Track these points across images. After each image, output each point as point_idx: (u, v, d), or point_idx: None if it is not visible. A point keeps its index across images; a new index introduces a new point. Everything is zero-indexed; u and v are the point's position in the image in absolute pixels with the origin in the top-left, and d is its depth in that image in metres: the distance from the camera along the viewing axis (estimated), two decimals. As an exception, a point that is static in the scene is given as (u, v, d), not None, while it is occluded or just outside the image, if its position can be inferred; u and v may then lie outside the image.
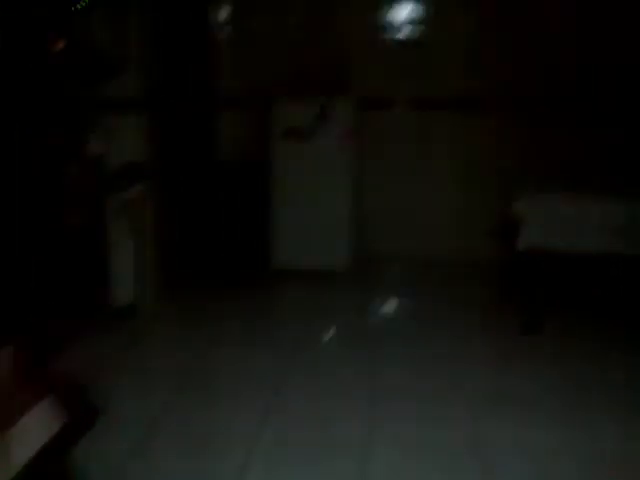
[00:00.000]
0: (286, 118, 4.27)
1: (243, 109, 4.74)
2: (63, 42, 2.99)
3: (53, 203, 3.05)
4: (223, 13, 4.68)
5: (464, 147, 4.64)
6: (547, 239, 3.32)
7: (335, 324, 3.80)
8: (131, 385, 2.89)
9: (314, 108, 4.21)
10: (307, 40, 4.55)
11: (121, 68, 3.37)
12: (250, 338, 3.46)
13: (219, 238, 4.71)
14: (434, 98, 4.60)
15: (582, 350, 3.28)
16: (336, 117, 4.21)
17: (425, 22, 4.52)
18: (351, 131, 4.25)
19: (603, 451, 2.38)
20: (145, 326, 3.57)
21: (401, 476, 2.24)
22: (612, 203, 3.38)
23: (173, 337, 3.49)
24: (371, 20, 4.56)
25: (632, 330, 3.53)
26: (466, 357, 3.22)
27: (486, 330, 3.59)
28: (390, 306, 4.22)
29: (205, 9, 4.55)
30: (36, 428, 1.32)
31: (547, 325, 3.51)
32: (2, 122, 2.72)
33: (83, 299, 3.30)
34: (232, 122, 4.78)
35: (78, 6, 2.82)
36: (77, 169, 3.20)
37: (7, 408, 1.34)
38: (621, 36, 4.29)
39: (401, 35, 4.39)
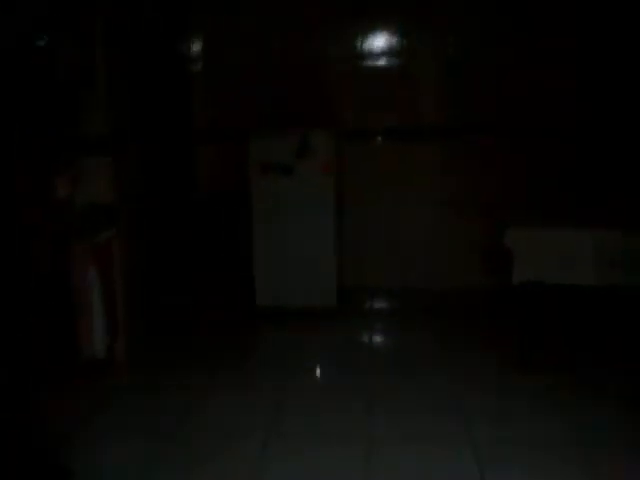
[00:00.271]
0: (264, 152, 4.12)
1: (220, 143, 4.59)
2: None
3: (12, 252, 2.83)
4: (197, 45, 4.55)
5: (447, 177, 4.51)
6: (540, 273, 3.17)
7: (322, 368, 3.61)
8: (107, 445, 2.69)
9: (293, 141, 4.07)
10: (285, 71, 4.42)
11: (87, 105, 3.20)
12: (233, 388, 3.24)
13: (199, 278, 4.52)
14: (416, 128, 4.48)
15: (582, 388, 3.12)
16: (316, 150, 4.07)
17: (405, 51, 4.42)
18: (331, 162, 4.10)
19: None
20: (119, 380, 3.34)
21: None
22: (602, 234, 3.25)
23: (150, 389, 3.25)
24: (351, 50, 4.45)
25: (629, 362, 3.38)
26: (462, 397, 3.04)
27: (480, 367, 3.43)
28: (379, 344, 4.03)
29: (178, 41, 4.41)
30: None
31: (544, 360, 3.38)
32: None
33: (51, 352, 3.06)
34: (210, 157, 4.62)
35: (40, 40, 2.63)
36: (42, 214, 2.99)
37: None
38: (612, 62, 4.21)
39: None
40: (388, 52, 4.42)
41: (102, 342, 3.32)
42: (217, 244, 4.56)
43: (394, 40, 4.41)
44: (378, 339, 4.12)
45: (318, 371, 3.62)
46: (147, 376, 3.41)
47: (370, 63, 4.45)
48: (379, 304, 4.59)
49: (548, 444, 2.61)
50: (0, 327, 2.67)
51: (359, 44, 4.44)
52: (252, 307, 4.22)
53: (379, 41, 4.41)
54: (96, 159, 3.28)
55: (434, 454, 2.56)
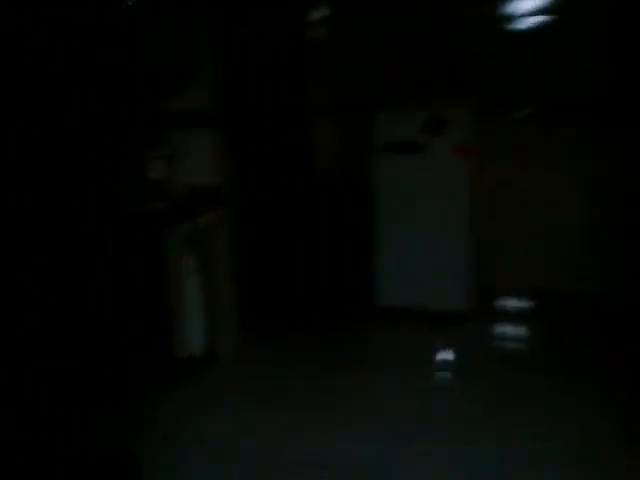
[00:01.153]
0: (390, 130, 3.60)
1: (340, 120, 4.14)
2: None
3: (110, 242, 2.60)
4: (315, 11, 4.12)
5: (602, 163, 3.69)
6: None
7: (453, 387, 3.03)
8: (205, 460, 2.38)
9: (423, 116, 3.50)
10: (414, 38, 3.85)
11: (189, 79, 2.90)
12: (346, 404, 2.77)
13: (312, 271, 4.13)
14: (566, 104, 3.70)
15: None
16: (450, 128, 3.47)
17: (554, 9, 3.64)
18: (467, 145, 3.48)
19: None
20: (222, 379, 3.04)
21: None
22: None
23: (255, 393, 2.90)
24: (489, 11, 3.76)
25: None
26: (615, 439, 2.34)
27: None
28: (520, 360, 3.34)
29: (294, 7, 4.01)
30: None
31: None
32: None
33: (145, 350, 2.82)
34: (328, 135, 4.19)
35: (128, 3, 2.34)
36: (139, 199, 2.74)
37: None
38: None
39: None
40: (535, 14, 3.67)
41: (202, 338, 3.04)
42: (333, 233, 4.14)
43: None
44: (519, 351, 3.42)
45: (446, 380, 3.06)
46: (251, 375, 3.08)
47: (513, 28, 3.73)
48: (517, 307, 3.90)
49: None
50: (87, 319, 2.46)
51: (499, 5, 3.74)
52: (371, 307, 3.74)
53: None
54: (199, 136, 2.99)
55: None
